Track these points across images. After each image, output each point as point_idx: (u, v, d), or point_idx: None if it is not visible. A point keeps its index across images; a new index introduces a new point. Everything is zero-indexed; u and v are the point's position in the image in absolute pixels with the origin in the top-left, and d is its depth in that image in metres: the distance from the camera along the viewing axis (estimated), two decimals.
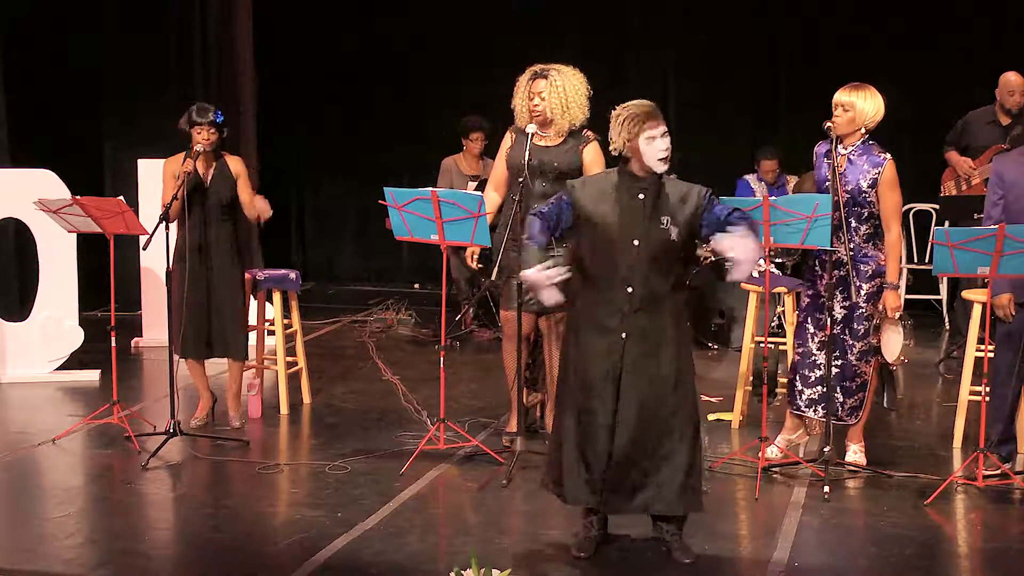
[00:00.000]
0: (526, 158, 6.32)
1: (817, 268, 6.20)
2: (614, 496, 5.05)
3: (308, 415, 7.49)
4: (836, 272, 6.05)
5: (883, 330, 6.12)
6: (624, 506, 5.09)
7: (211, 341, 6.97)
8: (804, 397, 6.26)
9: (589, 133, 6.51)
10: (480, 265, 6.62)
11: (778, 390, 7.18)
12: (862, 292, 6.09)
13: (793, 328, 6.57)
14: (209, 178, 6.86)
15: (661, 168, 5.01)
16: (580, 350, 5.08)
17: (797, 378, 6.27)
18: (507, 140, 6.65)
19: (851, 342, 6.15)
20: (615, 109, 5.09)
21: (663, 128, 4.99)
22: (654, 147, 4.98)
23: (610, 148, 5.11)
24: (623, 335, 4.99)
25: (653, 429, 5.00)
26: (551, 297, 4.99)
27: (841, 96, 6.09)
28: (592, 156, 6.48)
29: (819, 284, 6.18)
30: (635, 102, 5.07)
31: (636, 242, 4.97)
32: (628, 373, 4.99)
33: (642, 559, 5.18)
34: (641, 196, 5.00)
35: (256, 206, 6.93)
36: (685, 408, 5.05)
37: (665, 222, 4.98)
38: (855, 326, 6.14)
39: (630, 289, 4.98)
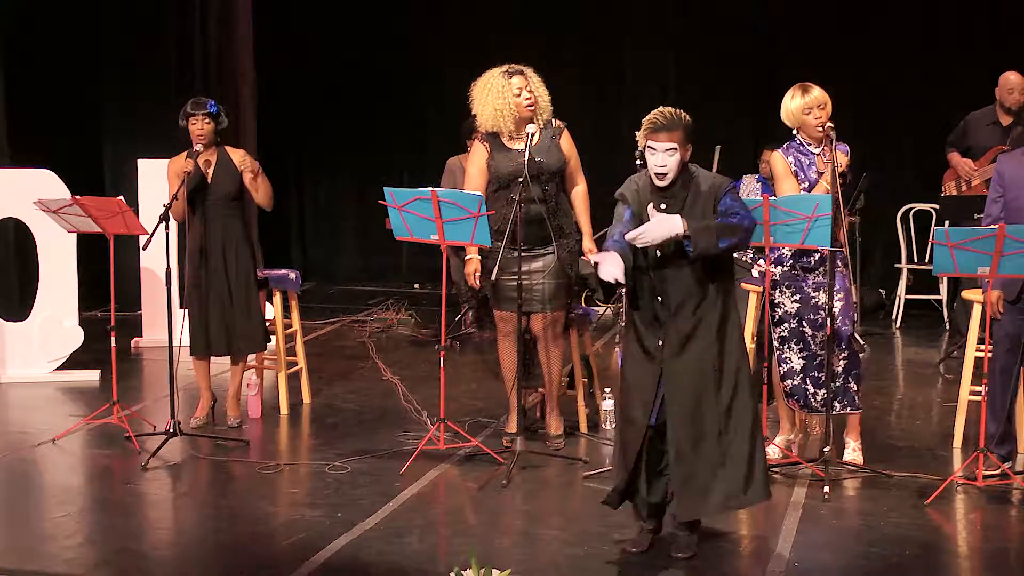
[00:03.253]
0: (526, 158, 6.28)
1: (798, 271, 6.21)
2: (685, 500, 5.03)
3: (308, 415, 7.48)
4: (822, 268, 6.13)
5: None
6: (699, 509, 5.07)
7: (221, 339, 6.94)
8: (819, 398, 6.25)
9: (557, 122, 6.55)
10: (482, 284, 6.52)
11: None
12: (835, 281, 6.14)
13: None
14: (211, 174, 6.85)
15: (658, 182, 5.01)
16: (628, 360, 5.15)
17: (808, 381, 6.26)
18: (481, 150, 6.52)
19: (851, 331, 6.18)
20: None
21: (669, 144, 4.94)
22: (652, 160, 5.00)
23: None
24: (659, 343, 5.01)
25: (706, 428, 4.99)
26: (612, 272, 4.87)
27: (816, 98, 6.13)
28: (568, 144, 6.53)
29: (806, 286, 6.19)
30: (662, 110, 5.03)
31: (658, 252, 4.98)
32: (670, 379, 4.99)
33: (642, 557, 5.17)
34: (664, 206, 5.00)
35: (260, 188, 6.90)
36: (738, 402, 5.02)
37: None
38: (851, 314, 6.18)
39: (660, 298, 5.00)
